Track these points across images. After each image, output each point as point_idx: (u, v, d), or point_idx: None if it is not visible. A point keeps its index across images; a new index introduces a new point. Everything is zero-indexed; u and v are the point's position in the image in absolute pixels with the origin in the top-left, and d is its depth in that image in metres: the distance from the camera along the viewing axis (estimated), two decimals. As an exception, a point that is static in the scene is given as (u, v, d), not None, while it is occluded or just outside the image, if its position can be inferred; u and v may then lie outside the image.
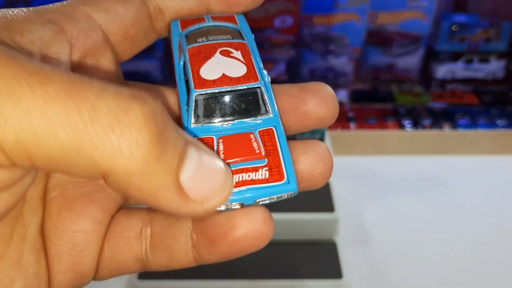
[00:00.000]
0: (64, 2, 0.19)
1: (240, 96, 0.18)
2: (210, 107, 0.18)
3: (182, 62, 0.19)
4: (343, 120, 0.82)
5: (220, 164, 0.16)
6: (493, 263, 0.59)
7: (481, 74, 0.88)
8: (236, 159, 0.17)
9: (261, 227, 0.17)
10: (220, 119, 0.18)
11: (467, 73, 0.87)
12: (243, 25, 0.21)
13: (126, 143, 0.13)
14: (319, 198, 0.59)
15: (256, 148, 0.17)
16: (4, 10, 0.17)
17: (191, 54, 0.19)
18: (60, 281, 0.18)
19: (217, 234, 0.17)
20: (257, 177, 0.17)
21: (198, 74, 0.18)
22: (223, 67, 0.18)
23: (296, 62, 0.89)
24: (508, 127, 0.80)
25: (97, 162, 0.13)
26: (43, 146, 0.13)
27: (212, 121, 0.18)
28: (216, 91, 0.18)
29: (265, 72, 0.19)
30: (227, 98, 0.18)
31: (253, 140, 0.18)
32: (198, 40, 0.20)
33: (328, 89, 0.20)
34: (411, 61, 0.89)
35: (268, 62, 0.87)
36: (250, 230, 0.17)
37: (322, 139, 0.66)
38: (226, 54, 0.19)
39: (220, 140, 0.18)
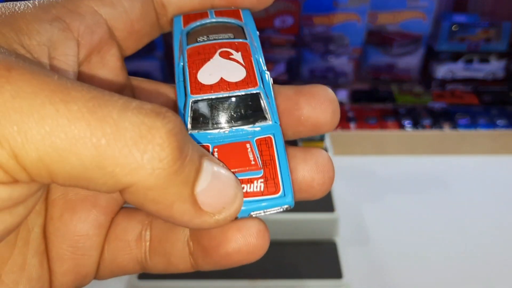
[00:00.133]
0: None
1: (238, 102, 0.17)
2: (207, 113, 0.17)
3: (181, 63, 0.19)
4: (343, 120, 0.82)
5: (232, 177, 0.16)
6: (493, 263, 0.59)
7: (481, 74, 0.88)
8: (231, 170, 0.17)
9: (255, 241, 0.17)
10: (217, 125, 0.18)
11: (467, 73, 0.87)
12: (247, 21, 0.20)
13: (149, 159, 0.13)
14: (319, 198, 0.59)
15: (252, 158, 0.17)
16: (11, 5, 0.17)
17: (190, 55, 0.18)
18: (61, 283, 0.18)
19: (210, 246, 0.17)
20: (251, 190, 0.17)
21: (195, 78, 0.18)
22: (222, 70, 0.18)
23: (296, 62, 0.89)
24: (508, 127, 0.80)
25: (117, 177, 0.13)
26: (65, 164, 0.13)
27: (208, 127, 0.18)
28: (213, 97, 0.17)
29: (267, 74, 0.18)
30: (224, 104, 0.17)
31: (249, 150, 0.17)
32: (198, 39, 0.19)
33: (327, 92, 0.19)
34: (411, 61, 0.89)
35: (268, 62, 0.86)
36: (243, 244, 0.17)
37: (322, 139, 0.66)
38: (226, 56, 0.18)
39: (216, 149, 0.17)
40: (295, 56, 0.88)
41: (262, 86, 0.18)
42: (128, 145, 0.13)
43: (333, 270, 0.53)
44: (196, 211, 0.15)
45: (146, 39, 0.20)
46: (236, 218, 0.16)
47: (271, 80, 0.19)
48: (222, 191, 0.16)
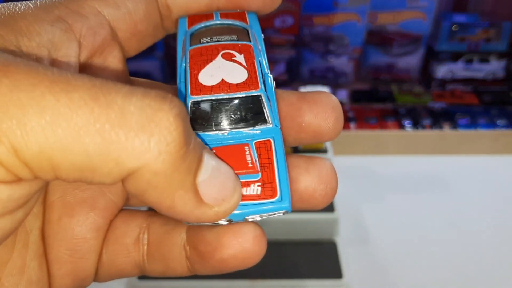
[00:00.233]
0: None
1: (238, 104, 0.17)
2: (206, 114, 0.17)
3: (184, 64, 0.18)
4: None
5: (231, 171, 0.16)
6: (493, 263, 0.59)
7: (481, 74, 0.88)
8: None
9: (251, 247, 0.16)
10: (216, 127, 0.17)
11: (467, 73, 0.87)
12: (253, 23, 0.20)
13: (156, 142, 0.13)
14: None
15: (250, 161, 0.17)
16: (11, 6, 0.16)
17: (192, 56, 0.18)
18: (60, 285, 0.18)
19: (206, 251, 0.17)
20: (248, 193, 0.16)
21: (196, 78, 0.17)
22: (223, 72, 0.18)
23: (296, 62, 0.89)
24: (508, 127, 0.80)
25: (122, 163, 0.13)
26: (68, 154, 0.13)
27: (207, 129, 0.17)
28: (213, 98, 0.17)
29: (270, 77, 0.18)
30: (224, 106, 0.17)
31: (247, 152, 0.17)
32: (202, 41, 0.19)
33: (330, 99, 0.18)
34: (411, 61, 0.89)
35: (268, 62, 0.86)
36: (239, 250, 0.17)
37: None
38: (228, 57, 0.18)
39: (213, 151, 0.17)
40: (295, 56, 0.88)
41: (263, 88, 0.17)
42: (134, 129, 0.13)
43: (333, 270, 0.53)
44: (197, 201, 0.15)
45: (150, 40, 0.20)
46: (231, 222, 0.16)
47: (274, 84, 0.18)
48: (223, 183, 0.15)
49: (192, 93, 0.17)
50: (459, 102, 0.86)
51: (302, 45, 0.87)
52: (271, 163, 0.17)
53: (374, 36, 0.87)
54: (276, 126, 0.17)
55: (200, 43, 0.19)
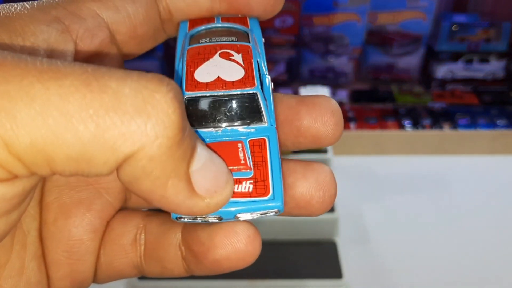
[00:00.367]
0: None
1: (233, 101, 0.17)
2: (200, 111, 0.17)
3: (181, 63, 0.18)
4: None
5: (224, 163, 0.16)
6: (493, 263, 0.59)
7: (481, 74, 0.88)
8: None
9: (244, 248, 0.16)
10: (210, 124, 0.17)
11: (467, 73, 0.87)
12: (253, 27, 0.20)
13: (153, 125, 0.12)
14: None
15: (242, 158, 0.16)
16: (7, 7, 0.16)
17: (190, 54, 0.18)
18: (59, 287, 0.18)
19: (200, 252, 0.17)
20: (239, 190, 0.16)
21: (192, 76, 0.17)
22: (220, 70, 0.17)
23: (296, 62, 0.89)
24: (508, 127, 0.80)
25: (118, 149, 0.12)
26: (62, 145, 0.12)
27: (201, 126, 0.17)
28: (207, 94, 0.17)
29: (268, 78, 0.18)
30: (219, 103, 0.17)
31: (240, 149, 0.16)
32: (200, 41, 0.19)
33: (330, 103, 0.18)
34: (411, 61, 0.89)
35: (268, 62, 0.86)
36: (231, 251, 0.16)
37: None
38: (226, 56, 0.18)
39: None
40: (295, 56, 0.88)
41: (260, 87, 0.17)
42: (129, 112, 0.12)
43: (333, 270, 0.53)
44: (189, 191, 0.14)
45: (150, 44, 0.20)
46: (221, 220, 0.16)
47: (271, 85, 0.18)
48: (215, 174, 0.15)
49: (187, 89, 0.17)
50: (459, 102, 0.86)
51: (302, 45, 0.87)
52: (265, 161, 0.16)
53: (374, 36, 0.87)
54: (271, 125, 0.17)
55: (199, 43, 0.19)
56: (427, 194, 0.69)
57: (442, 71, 0.87)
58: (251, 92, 0.17)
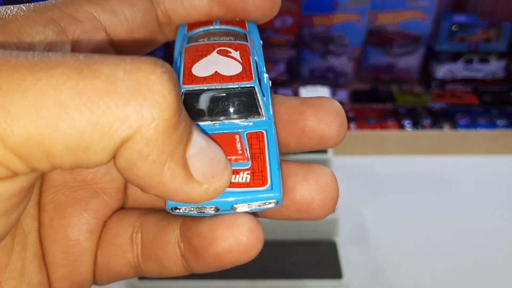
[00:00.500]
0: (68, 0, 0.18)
1: (230, 95, 0.17)
2: (198, 104, 0.17)
3: (179, 62, 0.18)
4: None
5: (221, 149, 0.15)
6: (493, 263, 0.59)
7: (481, 74, 0.88)
8: None
9: (246, 240, 0.16)
10: (208, 118, 0.17)
11: (467, 73, 0.87)
12: (252, 30, 0.20)
13: (149, 107, 0.12)
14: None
15: (239, 148, 0.16)
16: (3, 9, 0.16)
17: (188, 52, 0.18)
18: None
19: (201, 246, 0.16)
20: (236, 180, 0.16)
21: (190, 70, 0.17)
22: (217, 65, 0.17)
23: (296, 62, 0.89)
24: (508, 127, 0.80)
25: (115, 133, 0.12)
26: (58, 135, 0.12)
27: (198, 119, 0.17)
28: (205, 88, 0.17)
29: (265, 75, 0.18)
30: (216, 96, 0.17)
31: (237, 140, 0.16)
32: (199, 40, 0.19)
33: (334, 105, 0.17)
34: (411, 61, 0.89)
35: (268, 62, 0.87)
36: (234, 243, 0.16)
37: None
38: (224, 53, 0.18)
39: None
40: (295, 56, 0.88)
41: (257, 82, 0.17)
42: (124, 95, 0.12)
43: (333, 270, 0.53)
44: (187, 176, 0.14)
45: (148, 47, 0.20)
46: (218, 211, 0.16)
47: (269, 83, 0.18)
48: (212, 160, 0.15)
49: (184, 83, 0.17)
50: (459, 102, 0.86)
51: (302, 45, 0.87)
52: (263, 153, 0.16)
53: (374, 36, 0.87)
54: (269, 119, 0.17)
55: (197, 42, 0.19)
56: (427, 194, 0.69)
57: (442, 71, 0.87)
58: (248, 85, 0.17)
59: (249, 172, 0.16)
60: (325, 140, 0.17)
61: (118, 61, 0.12)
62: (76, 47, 0.17)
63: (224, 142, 0.16)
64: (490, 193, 0.70)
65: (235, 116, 0.17)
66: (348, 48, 0.87)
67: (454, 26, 0.83)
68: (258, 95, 0.17)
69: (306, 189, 0.17)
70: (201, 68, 0.17)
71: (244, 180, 0.16)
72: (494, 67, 0.87)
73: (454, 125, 0.80)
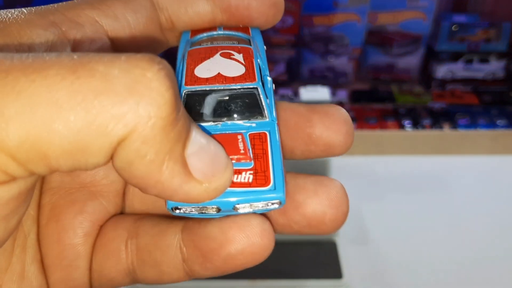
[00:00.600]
0: (70, 3, 0.18)
1: (233, 96, 0.17)
2: (200, 105, 0.17)
3: (181, 65, 0.18)
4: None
5: (221, 147, 0.15)
6: (493, 263, 0.59)
7: (481, 74, 0.87)
8: None
9: (259, 241, 0.15)
10: (210, 119, 0.17)
11: (467, 73, 0.87)
12: (255, 36, 0.20)
13: (145, 105, 0.12)
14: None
15: (242, 148, 0.16)
16: (4, 12, 0.16)
17: (190, 54, 0.18)
18: None
19: (210, 248, 0.16)
20: (238, 180, 0.15)
21: (192, 72, 0.17)
22: (220, 67, 0.17)
23: (296, 62, 0.89)
24: (508, 127, 0.80)
25: (111, 132, 0.12)
26: (55, 137, 0.12)
27: (201, 120, 0.17)
28: (207, 88, 0.16)
29: (269, 79, 0.17)
30: (219, 97, 0.17)
31: (240, 140, 0.16)
32: (202, 44, 0.19)
33: (341, 112, 0.17)
34: (411, 61, 0.89)
35: (268, 62, 0.86)
36: (247, 244, 0.15)
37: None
38: (227, 56, 0.18)
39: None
40: (295, 56, 0.88)
41: (261, 83, 0.17)
42: (120, 93, 0.12)
43: (333, 270, 0.53)
44: (186, 175, 0.14)
45: (150, 52, 0.19)
46: (219, 211, 0.15)
47: (273, 86, 0.18)
48: (213, 158, 0.14)
49: (186, 84, 0.17)
50: (459, 102, 0.86)
51: (302, 45, 0.87)
52: (265, 153, 0.16)
53: (374, 36, 0.87)
54: (272, 120, 0.17)
55: (200, 45, 0.19)
56: (427, 194, 0.69)
57: (442, 71, 0.87)
58: (251, 86, 0.17)
59: (251, 172, 0.15)
60: (332, 148, 0.17)
61: (114, 59, 0.12)
62: (77, 51, 0.17)
63: (226, 142, 0.16)
64: (490, 193, 0.70)
65: (238, 117, 0.17)
66: (348, 48, 0.87)
67: (454, 26, 0.83)
68: (261, 96, 0.17)
69: (318, 203, 0.16)
70: (204, 70, 0.17)
71: (246, 180, 0.15)
72: (494, 67, 0.87)
73: (454, 125, 0.80)
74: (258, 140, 0.16)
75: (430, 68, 0.88)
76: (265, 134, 0.16)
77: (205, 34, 0.19)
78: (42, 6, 0.17)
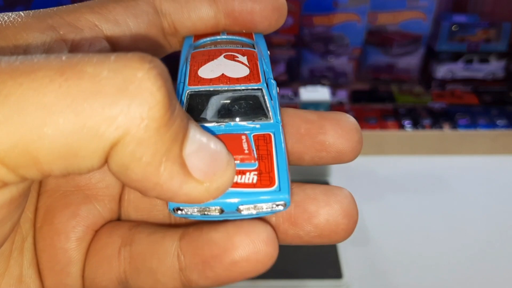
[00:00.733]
0: (70, 7, 0.17)
1: (237, 96, 0.16)
2: (203, 105, 0.16)
3: (185, 67, 0.18)
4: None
5: (222, 145, 0.15)
6: (493, 263, 0.59)
7: (481, 74, 0.88)
8: None
9: (264, 249, 0.15)
10: (214, 119, 0.16)
11: (467, 73, 0.87)
12: (259, 41, 0.19)
13: (137, 107, 0.12)
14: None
15: (246, 148, 0.15)
16: (1, 15, 0.16)
17: (194, 56, 0.18)
18: None
19: (212, 254, 0.15)
20: (242, 181, 0.15)
21: (196, 73, 0.17)
22: (224, 68, 0.17)
23: (296, 62, 0.89)
24: (508, 127, 0.80)
25: (103, 135, 0.12)
26: (45, 141, 0.11)
27: (204, 121, 0.16)
28: (211, 89, 0.16)
29: (273, 81, 0.17)
30: (222, 98, 0.16)
31: (244, 140, 0.16)
32: (205, 47, 0.19)
33: (352, 121, 0.17)
34: (411, 61, 0.89)
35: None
36: (252, 251, 0.15)
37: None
38: (231, 58, 0.17)
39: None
40: (295, 56, 0.88)
41: (265, 85, 0.17)
42: (110, 94, 0.11)
43: (333, 270, 0.53)
44: (185, 175, 0.13)
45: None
46: (223, 212, 0.15)
47: (277, 89, 0.17)
48: (213, 156, 0.14)
49: (189, 84, 0.16)
50: (459, 102, 0.86)
51: (302, 45, 0.87)
52: (270, 154, 0.16)
53: (374, 36, 0.87)
54: (277, 122, 0.17)
55: (204, 48, 0.18)
56: (427, 194, 0.69)
57: (442, 71, 0.87)
58: (256, 87, 0.16)
59: (256, 172, 0.15)
60: (342, 155, 0.17)
61: (103, 59, 0.12)
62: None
63: (230, 142, 0.15)
64: (490, 193, 0.70)
65: (242, 118, 0.16)
66: (348, 48, 0.87)
67: (454, 26, 0.83)
68: (266, 98, 0.16)
69: (331, 214, 0.16)
70: (208, 71, 0.17)
71: (250, 181, 0.15)
72: (494, 67, 0.87)
73: (454, 125, 0.80)
74: (262, 141, 0.16)
75: (430, 68, 0.88)
76: (269, 135, 0.16)
77: (208, 39, 0.19)
78: (41, 10, 0.17)
